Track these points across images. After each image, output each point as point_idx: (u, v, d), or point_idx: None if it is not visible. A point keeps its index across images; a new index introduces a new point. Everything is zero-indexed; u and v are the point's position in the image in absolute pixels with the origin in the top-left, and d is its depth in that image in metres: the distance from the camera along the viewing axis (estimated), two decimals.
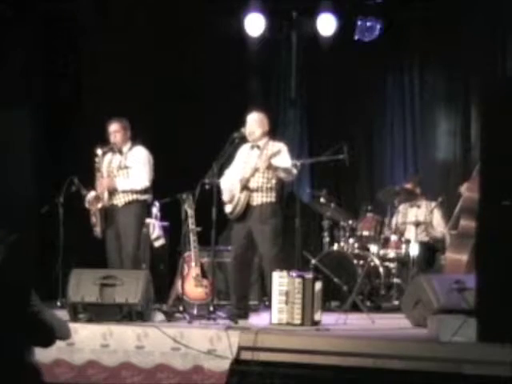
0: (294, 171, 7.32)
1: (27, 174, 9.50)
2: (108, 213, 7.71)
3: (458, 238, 7.89)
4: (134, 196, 7.72)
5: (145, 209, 7.92)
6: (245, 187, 7.28)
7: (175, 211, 7.97)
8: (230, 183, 7.38)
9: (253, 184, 7.30)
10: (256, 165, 7.25)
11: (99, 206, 7.66)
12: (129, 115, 7.95)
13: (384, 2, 9.78)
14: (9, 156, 9.24)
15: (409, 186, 9.21)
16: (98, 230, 7.70)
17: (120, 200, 7.72)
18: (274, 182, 7.30)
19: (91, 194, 7.73)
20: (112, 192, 7.71)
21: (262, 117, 7.45)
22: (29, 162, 9.55)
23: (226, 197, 7.37)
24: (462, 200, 7.97)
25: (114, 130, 7.78)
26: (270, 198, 7.31)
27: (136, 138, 7.87)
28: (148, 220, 8.70)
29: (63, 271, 7.53)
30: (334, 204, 8.97)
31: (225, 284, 8.49)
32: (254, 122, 7.39)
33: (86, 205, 7.73)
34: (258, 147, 7.38)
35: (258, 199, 7.29)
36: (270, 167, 7.15)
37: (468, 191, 7.81)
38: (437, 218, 9.09)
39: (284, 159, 7.25)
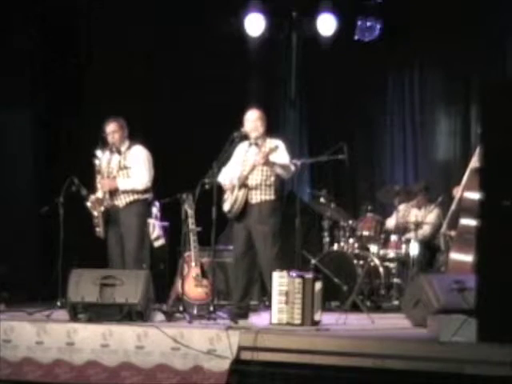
0: (292, 168, 7.32)
1: (27, 173, 9.53)
2: (110, 214, 7.71)
3: (460, 239, 7.84)
4: (135, 196, 7.71)
5: (146, 207, 7.91)
6: (243, 184, 7.29)
7: (175, 211, 7.97)
8: (228, 181, 7.38)
9: (251, 181, 7.30)
10: (254, 162, 7.25)
11: (102, 208, 7.66)
12: (129, 115, 7.95)
13: (384, 2, 9.79)
14: (9, 156, 9.27)
15: (417, 195, 9.21)
16: (100, 231, 7.70)
17: (121, 201, 7.71)
18: (272, 179, 7.30)
19: (93, 197, 7.72)
20: (113, 193, 7.70)
21: (261, 114, 7.45)
22: (29, 161, 9.58)
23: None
24: (459, 200, 7.94)
25: (112, 130, 7.76)
26: (269, 195, 7.30)
27: (133, 136, 7.87)
28: (148, 220, 8.70)
29: (63, 271, 7.52)
30: (333, 204, 8.98)
31: (225, 284, 8.50)
32: (254, 121, 7.38)
33: (89, 207, 7.70)
34: (256, 144, 7.38)
35: (256, 197, 7.28)
36: (267, 163, 7.15)
37: (466, 190, 7.78)
38: (431, 217, 9.08)
39: (282, 155, 7.25)
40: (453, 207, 7.98)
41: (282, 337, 6.17)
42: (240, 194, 7.28)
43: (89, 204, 7.72)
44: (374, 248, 8.89)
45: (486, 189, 5.73)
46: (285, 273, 6.74)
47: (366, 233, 8.94)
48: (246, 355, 6.07)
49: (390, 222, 9.23)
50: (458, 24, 9.64)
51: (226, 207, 7.36)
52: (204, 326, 6.55)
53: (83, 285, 6.83)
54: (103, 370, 6.34)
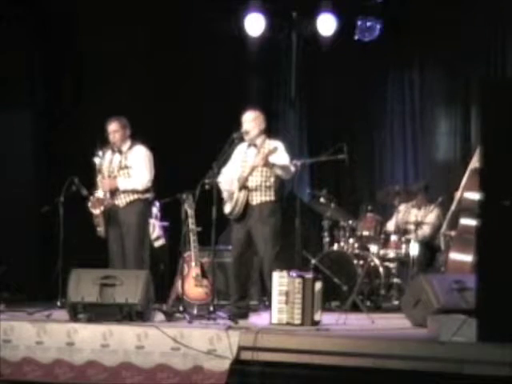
0: (292, 168, 7.33)
1: (28, 173, 9.53)
2: (110, 213, 7.71)
3: (460, 239, 7.84)
4: (136, 195, 7.71)
5: (147, 207, 7.91)
6: (243, 186, 7.29)
7: (175, 211, 7.97)
8: (228, 182, 7.38)
9: (251, 183, 7.30)
10: (253, 163, 7.25)
11: (102, 207, 7.65)
12: (129, 115, 7.95)
13: (384, 2, 9.79)
14: (9, 156, 9.27)
15: (417, 195, 9.21)
16: (101, 231, 7.70)
17: (122, 200, 7.71)
18: (272, 180, 7.31)
19: (93, 197, 7.71)
20: (113, 192, 7.70)
21: (258, 115, 7.44)
22: (29, 161, 9.58)
23: (225, 196, 7.39)
24: (459, 200, 7.94)
25: (113, 129, 7.77)
26: (269, 196, 7.31)
27: (135, 136, 7.87)
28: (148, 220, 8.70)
29: (63, 271, 7.52)
30: (333, 204, 8.97)
31: (225, 284, 8.49)
32: (250, 122, 7.39)
33: (90, 207, 7.70)
34: (255, 146, 7.39)
35: (257, 198, 7.29)
36: (267, 165, 7.16)
37: (466, 190, 7.79)
38: (431, 217, 9.08)
39: (281, 156, 7.26)
40: (453, 207, 7.99)
41: (282, 337, 6.17)
42: (241, 196, 7.29)
43: (89, 204, 7.72)
44: (373, 248, 8.88)
45: (485, 189, 5.73)
46: (285, 273, 6.74)
47: (365, 233, 8.93)
48: (246, 355, 6.06)
49: (390, 226, 9.22)
50: (458, 24, 9.64)
51: (227, 209, 7.38)
52: (204, 326, 6.55)
53: (83, 285, 6.83)
54: (103, 370, 6.34)
